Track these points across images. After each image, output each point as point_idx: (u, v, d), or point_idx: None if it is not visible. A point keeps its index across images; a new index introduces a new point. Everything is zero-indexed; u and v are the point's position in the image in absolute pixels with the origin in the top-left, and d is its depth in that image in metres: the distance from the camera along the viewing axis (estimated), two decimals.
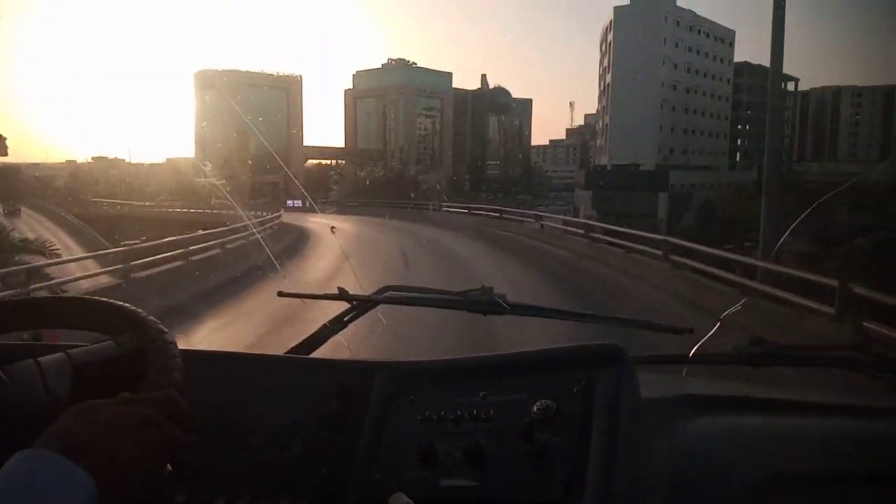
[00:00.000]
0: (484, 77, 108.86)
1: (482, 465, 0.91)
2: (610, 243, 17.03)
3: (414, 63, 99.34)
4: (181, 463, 0.74)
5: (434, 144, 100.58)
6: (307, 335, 1.39)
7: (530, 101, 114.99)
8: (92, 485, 0.63)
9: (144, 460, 0.68)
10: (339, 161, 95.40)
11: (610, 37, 67.15)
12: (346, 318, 1.44)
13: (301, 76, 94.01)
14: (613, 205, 51.31)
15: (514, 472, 0.89)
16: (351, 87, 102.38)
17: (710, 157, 71.52)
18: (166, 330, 0.93)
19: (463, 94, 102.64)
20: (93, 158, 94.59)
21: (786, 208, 11.08)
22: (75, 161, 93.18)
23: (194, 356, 0.95)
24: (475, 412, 0.97)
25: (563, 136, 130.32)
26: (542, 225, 22.51)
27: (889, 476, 0.93)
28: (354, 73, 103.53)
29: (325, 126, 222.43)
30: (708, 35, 70.49)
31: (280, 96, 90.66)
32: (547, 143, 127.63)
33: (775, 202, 10.00)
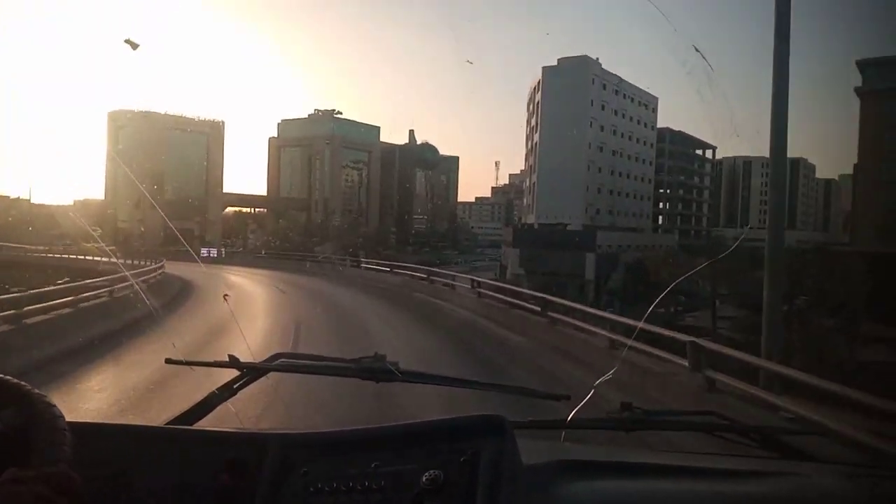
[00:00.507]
0: (412, 132, 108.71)
1: None
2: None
3: (341, 114, 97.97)
4: None
5: (360, 197, 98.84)
6: (195, 402, 1.36)
7: (457, 158, 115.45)
8: None
9: None
10: (260, 209, 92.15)
11: (538, 97, 68.13)
12: (235, 386, 1.42)
13: (223, 122, 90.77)
14: (541, 263, 50.51)
15: None
16: (276, 135, 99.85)
17: (636, 219, 72.68)
18: (53, 403, 0.88)
19: (390, 148, 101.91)
20: None
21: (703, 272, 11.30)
22: None
23: (77, 428, 0.90)
24: (367, 483, 0.98)
25: (488, 193, 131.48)
26: (479, 293, 17.09)
27: None
28: (280, 121, 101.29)
29: (247, 174, 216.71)
30: (633, 100, 72.33)
31: (200, 141, 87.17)
32: (473, 199, 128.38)
33: (779, 272, 8.81)
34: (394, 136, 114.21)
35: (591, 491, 1.07)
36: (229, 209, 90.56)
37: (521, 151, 75.27)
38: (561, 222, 63.45)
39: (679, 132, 77.58)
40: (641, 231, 70.72)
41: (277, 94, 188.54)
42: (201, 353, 1.65)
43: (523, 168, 75.86)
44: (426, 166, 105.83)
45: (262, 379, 1.49)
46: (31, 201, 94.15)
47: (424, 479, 0.97)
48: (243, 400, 1.48)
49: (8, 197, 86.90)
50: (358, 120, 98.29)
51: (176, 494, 0.98)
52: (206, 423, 1.30)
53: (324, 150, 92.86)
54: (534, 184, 68.97)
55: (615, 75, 70.39)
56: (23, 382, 0.91)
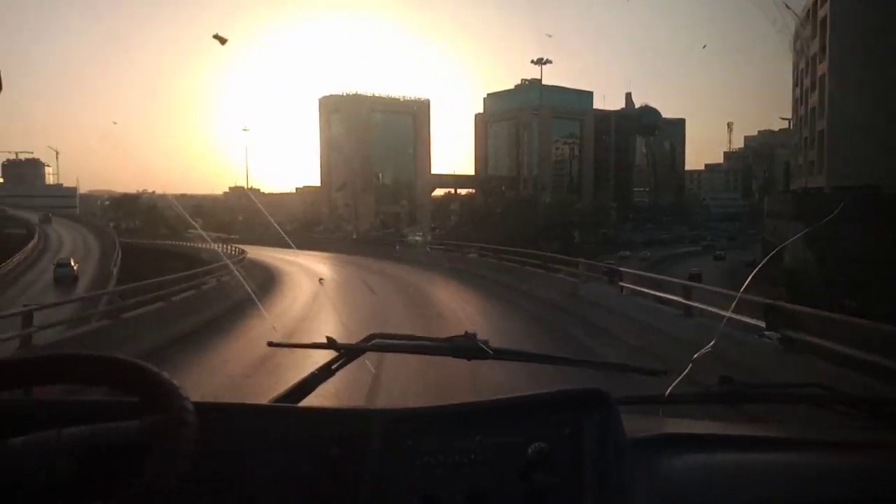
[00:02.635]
0: (629, 96, 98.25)
1: None
2: None
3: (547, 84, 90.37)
4: None
5: (573, 170, 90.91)
6: (294, 382, 1.42)
7: (682, 121, 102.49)
8: None
9: None
10: (469, 190, 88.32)
11: (822, 11, 42.97)
12: (333, 367, 1.47)
13: (429, 100, 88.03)
14: (845, 244, 30.83)
15: None
16: (482, 110, 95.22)
17: None
18: (190, 408, 0.88)
19: (605, 115, 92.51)
20: (230, 189, 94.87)
21: None
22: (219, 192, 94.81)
23: (198, 407, 0.94)
24: (472, 456, 1.02)
25: (720, 159, 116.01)
26: None
27: None
28: (486, 95, 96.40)
29: (454, 153, 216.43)
30: None
31: (407, 121, 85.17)
32: (702, 167, 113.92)
33: None
34: (608, 101, 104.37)
35: (698, 464, 1.07)
36: (438, 190, 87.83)
37: (759, 109, 60.71)
38: (870, 184, 37.44)
39: None
40: None
41: (483, 68, 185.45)
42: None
43: (795, 116, 56.71)
44: (646, 132, 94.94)
45: (359, 360, 1.52)
46: (261, 191, 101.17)
47: (530, 451, 0.98)
48: (341, 380, 1.50)
49: (242, 187, 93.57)
50: (568, 86, 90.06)
51: (288, 469, 1.02)
52: (308, 403, 1.34)
53: (532, 122, 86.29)
54: (820, 133, 44.25)
55: None
56: (172, 380, 0.92)
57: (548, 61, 79.32)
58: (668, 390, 1.33)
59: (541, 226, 58.59)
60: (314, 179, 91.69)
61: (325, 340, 1.51)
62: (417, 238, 62.88)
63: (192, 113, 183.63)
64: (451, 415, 1.12)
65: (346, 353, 1.48)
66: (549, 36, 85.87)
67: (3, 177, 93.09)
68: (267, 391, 1.42)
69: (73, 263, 33.98)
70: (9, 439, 0.83)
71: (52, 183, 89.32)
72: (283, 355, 6.37)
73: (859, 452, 1.16)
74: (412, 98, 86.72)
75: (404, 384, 6.45)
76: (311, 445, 1.05)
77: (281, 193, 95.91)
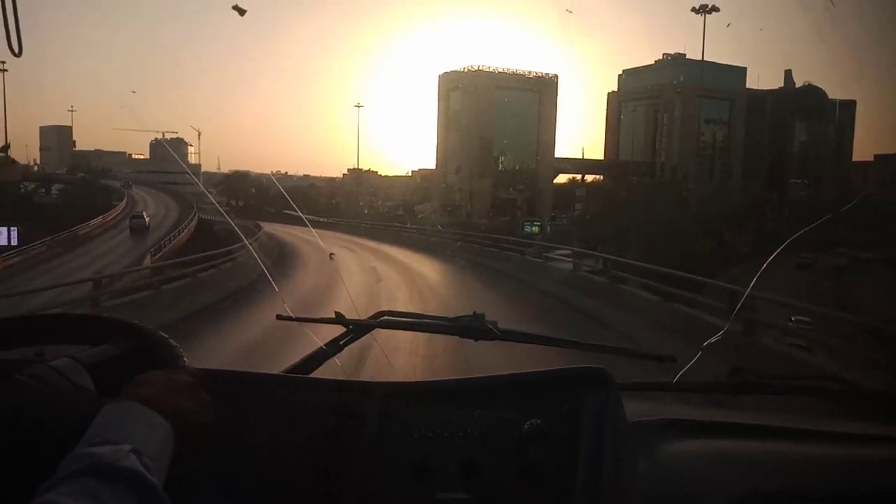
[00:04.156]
0: (788, 73, 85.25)
1: (476, 479, 0.98)
2: None
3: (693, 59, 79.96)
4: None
5: (719, 158, 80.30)
6: (303, 356, 1.46)
7: (853, 103, 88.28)
8: (168, 428, 0.78)
9: (200, 414, 0.85)
10: (596, 177, 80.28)
11: None
12: (341, 342, 1.48)
13: (557, 76, 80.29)
14: None
15: (507, 485, 0.97)
16: (615, 88, 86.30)
17: None
18: (157, 330, 1.00)
19: (759, 95, 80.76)
20: (348, 170, 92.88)
21: None
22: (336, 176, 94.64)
23: (200, 374, 1.00)
24: (469, 430, 1.04)
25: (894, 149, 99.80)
26: None
27: (857, 499, 1.00)
28: (621, 72, 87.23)
29: (580, 136, 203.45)
30: None
31: (531, 99, 78.05)
32: (871, 157, 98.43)
33: None
34: (764, 79, 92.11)
35: (699, 449, 1.07)
36: (561, 176, 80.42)
37: None
38: None
39: None
40: None
41: (618, 41, 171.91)
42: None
43: None
44: (808, 116, 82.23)
45: (367, 336, 1.52)
46: (379, 174, 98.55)
47: (526, 426, 0.99)
48: (348, 355, 1.52)
49: (360, 169, 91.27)
50: (716, 61, 79.38)
51: (288, 435, 1.05)
52: (315, 376, 1.36)
53: (673, 102, 76.66)
54: None
55: None
56: (170, 339, 1.01)
57: (714, 9, 69.50)
58: (676, 378, 1.31)
59: (689, 220, 49.78)
60: (431, 162, 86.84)
61: (333, 316, 1.52)
62: (535, 228, 56.51)
63: (321, 98, 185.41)
64: (448, 390, 1.13)
65: (354, 329, 1.48)
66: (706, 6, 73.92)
67: (150, 154, 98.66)
68: (276, 364, 1.42)
69: (145, 217, 42.19)
70: (12, 376, 0.86)
71: (193, 162, 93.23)
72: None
73: (867, 445, 1.14)
74: (539, 74, 79.37)
75: (410, 360, 6.84)
76: (311, 415, 1.07)
77: (396, 176, 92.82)
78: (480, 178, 74.18)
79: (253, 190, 70.49)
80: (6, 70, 60.33)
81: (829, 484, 1.00)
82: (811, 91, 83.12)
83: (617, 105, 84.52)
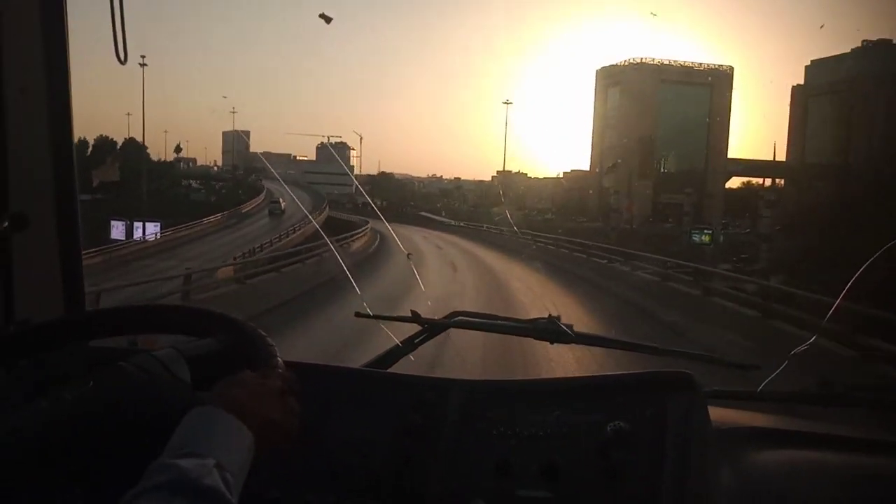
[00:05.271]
0: None
1: (557, 479, 0.96)
2: None
3: None
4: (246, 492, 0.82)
5: None
6: (379, 352, 1.47)
7: None
8: (252, 437, 0.78)
9: (285, 422, 0.84)
10: (775, 180, 70.78)
11: None
12: (416, 340, 1.50)
13: (732, 68, 71.77)
14: None
15: (588, 487, 0.95)
16: (802, 81, 75.92)
17: None
18: (257, 327, 1.00)
19: None
20: (498, 172, 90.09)
21: None
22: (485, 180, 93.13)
23: (286, 366, 0.99)
24: (549, 430, 1.03)
25: None
26: None
27: None
28: (809, 63, 76.67)
29: (757, 135, 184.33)
30: None
31: (701, 94, 70.42)
32: None
33: None
34: None
35: (786, 460, 1.04)
36: (734, 180, 71.77)
37: None
38: None
39: None
40: None
41: (802, 28, 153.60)
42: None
43: None
44: None
45: (441, 336, 1.52)
46: (528, 175, 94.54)
47: (609, 429, 0.98)
48: (423, 354, 1.53)
49: (510, 172, 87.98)
50: None
51: (369, 431, 1.06)
52: (391, 372, 1.37)
53: (874, 95, 65.65)
54: None
55: None
56: (258, 329, 1.00)
57: None
58: (761, 386, 1.27)
59: None
60: (583, 163, 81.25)
61: (409, 314, 1.51)
62: (706, 237, 49.56)
63: (473, 100, 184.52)
64: (529, 390, 1.12)
65: (429, 328, 1.49)
66: None
67: (316, 157, 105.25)
68: (354, 359, 1.42)
69: (281, 202, 49.30)
70: (115, 364, 0.87)
71: (353, 164, 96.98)
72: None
73: None
74: (711, 66, 71.35)
75: (485, 361, 6.72)
76: (392, 410, 1.08)
77: (546, 178, 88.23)
78: (640, 180, 67.70)
79: (397, 191, 70.85)
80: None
81: None
82: None
83: (803, 100, 74.26)
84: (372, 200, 63.08)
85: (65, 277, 1.44)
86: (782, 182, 69.62)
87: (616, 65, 72.26)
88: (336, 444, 1.04)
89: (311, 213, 43.41)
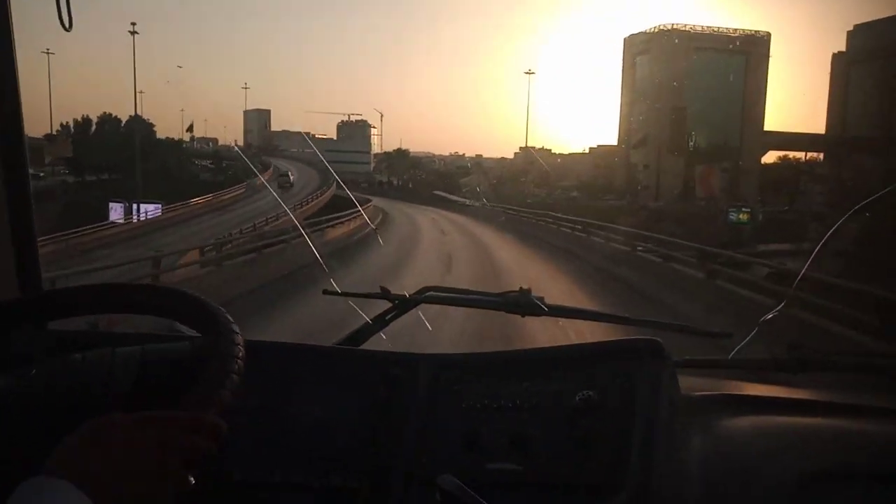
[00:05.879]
0: None
1: (526, 450, 0.96)
2: None
3: None
4: (209, 474, 0.76)
5: None
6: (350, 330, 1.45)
7: None
8: None
9: (155, 483, 0.68)
10: (814, 155, 66.95)
11: None
12: (387, 317, 1.48)
13: (769, 34, 67.60)
14: None
15: (557, 456, 0.95)
16: (843, 48, 71.44)
17: None
18: (237, 331, 0.91)
19: None
20: (520, 149, 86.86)
21: None
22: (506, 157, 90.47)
23: (252, 345, 0.94)
24: (518, 401, 1.03)
25: None
26: None
27: None
28: (851, 28, 72.06)
29: (795, 106, 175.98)
30: None
31: (736, 63, 66.44)
32: None
33: None
34: None
35: (757, 425, 1.04)
36: (771, 154, 67.97)
37: None
38: None
39: None
40: None
41: None
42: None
43: None
44: None
45: (412, 311, 1.50)
46: (552, 151, 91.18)
47: (577, 398, 0.98)
48: (394, 330, 1.51)
49: (531, 148, 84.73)
50: None
51: (339, 406, 1.06)
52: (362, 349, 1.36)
53: None
54: None
55: None
56: (218, 306, 0.95)
57: None
58: (731, 354, 1.29)
59: None
60: (610, 138, 77.69)
61: (378, 291, 1.48)
62: (744, 215, 46.29)
63: (494, 76, 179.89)
64: (497, 362, 1.13)
65: (400, 304, 1.47)
66: None
67: (337, 135, 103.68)
68: (321, 339, 1.40)
69: (290, 175, 50.52)
70: (70, 355, 0.87)
71: (374, 142, 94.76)
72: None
73: None
74: (746, 32, 67.26)
75: (456, 336, 6.71)
76: (360, 387, 1.08)
77: (570, 154, 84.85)
78: (671, 156, 64.19)
79: (412, 169, 68.31)
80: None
81: (888, 461, 0.96)
82: None
83: (844, 68, 69.95)
84: (388, 179, 61.15)
85: (18, 261, 1.37)
86: (822, 156, 65.92)
87: (645, 31, 68.53)
88: (302, 423, 1.03)
89: (315, 192, 42.03)
